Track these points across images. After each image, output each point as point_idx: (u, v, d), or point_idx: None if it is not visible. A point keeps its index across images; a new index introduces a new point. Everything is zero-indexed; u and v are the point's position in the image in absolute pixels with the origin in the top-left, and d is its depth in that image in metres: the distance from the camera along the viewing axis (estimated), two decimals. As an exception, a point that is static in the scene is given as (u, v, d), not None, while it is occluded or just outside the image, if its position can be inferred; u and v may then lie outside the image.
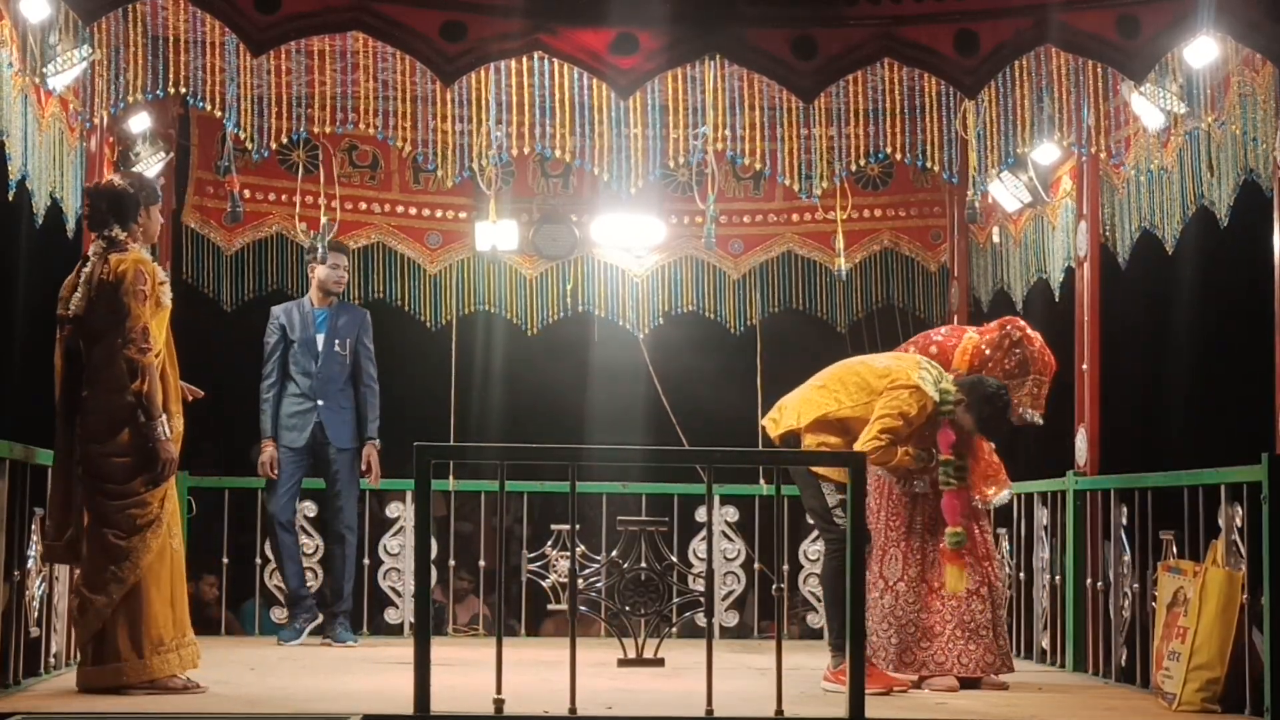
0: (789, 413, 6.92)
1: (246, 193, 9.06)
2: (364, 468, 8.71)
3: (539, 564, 8.98)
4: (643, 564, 5.72)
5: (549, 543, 9.01)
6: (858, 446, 6.66)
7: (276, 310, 8.75)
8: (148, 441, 6.23)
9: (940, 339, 7.33)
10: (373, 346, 8.80)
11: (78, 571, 6.41)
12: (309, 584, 8.99)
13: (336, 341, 8.68)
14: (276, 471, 8.56)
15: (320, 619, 8.73)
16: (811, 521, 7.12)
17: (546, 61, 7.17)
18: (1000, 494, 7.18)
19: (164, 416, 6.27)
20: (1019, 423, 7.12)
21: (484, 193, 9.14)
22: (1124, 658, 7.24)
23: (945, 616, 6.93)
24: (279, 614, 9.06)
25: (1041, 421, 7.24)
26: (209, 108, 7.41)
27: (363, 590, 9.29)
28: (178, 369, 6.50)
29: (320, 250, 8.80)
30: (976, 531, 7.04)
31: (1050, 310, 8.56)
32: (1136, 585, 7.14)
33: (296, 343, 8.64)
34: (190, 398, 6.69)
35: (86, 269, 6.32)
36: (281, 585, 8.88)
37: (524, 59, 7.18)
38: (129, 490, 6.24)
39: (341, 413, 8.64)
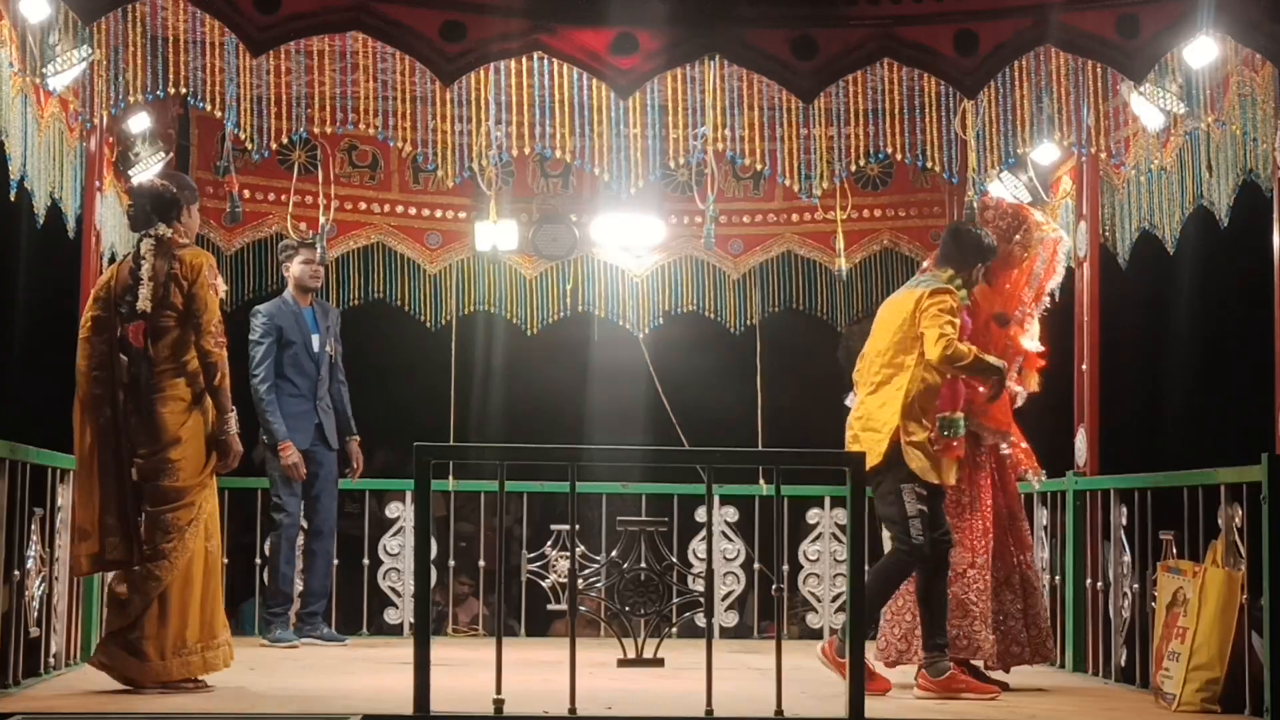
0: (882, 428, 6.64)
1: (246, 193, 9.06)
2: (354, 464, 8.75)
3: (539, 564, 8.98)
4: (642, 564, 5.72)
5: (549, 543, 9.02)
6: (930, 354, 6.58)
7: (264, 309, 8.66)
8: (218, 435, 6.34)
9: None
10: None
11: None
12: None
13: (328, 342, 8.70)
14: (304, 473, 8.50)
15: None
16: (886, 530, 6.80)
17: (546, 61, 7.17)
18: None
19: (234, 410, 6.37)
20: (1054, 244, 7.27)
21: (484, 193, 9.15)
22: (1124, 658, 7.25)
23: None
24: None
25: (1067, 237, 7.48)
26: (209, 108, 7.41)
27: (363, 590, 9.30)
28: None
29: (321, 251, 8.80)
30: (1010, 521, 7.06)
31: (1050, 310, 8.55)
32: (1136, 585, 7.14)
33: (296, 345, 8.58)
34: None
35: (145, 266, 6.37)
36: (277, 586, 8.66)
37: (524, 59, 7.18)
38: (178, 492, 6.28)
39: (329, 413, 8.66)
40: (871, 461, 6.48)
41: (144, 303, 6.33)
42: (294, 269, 8.69)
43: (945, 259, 6.95)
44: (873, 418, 6.71)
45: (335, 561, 8.79)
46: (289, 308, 8.65)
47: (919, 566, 6.66)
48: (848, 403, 7.22)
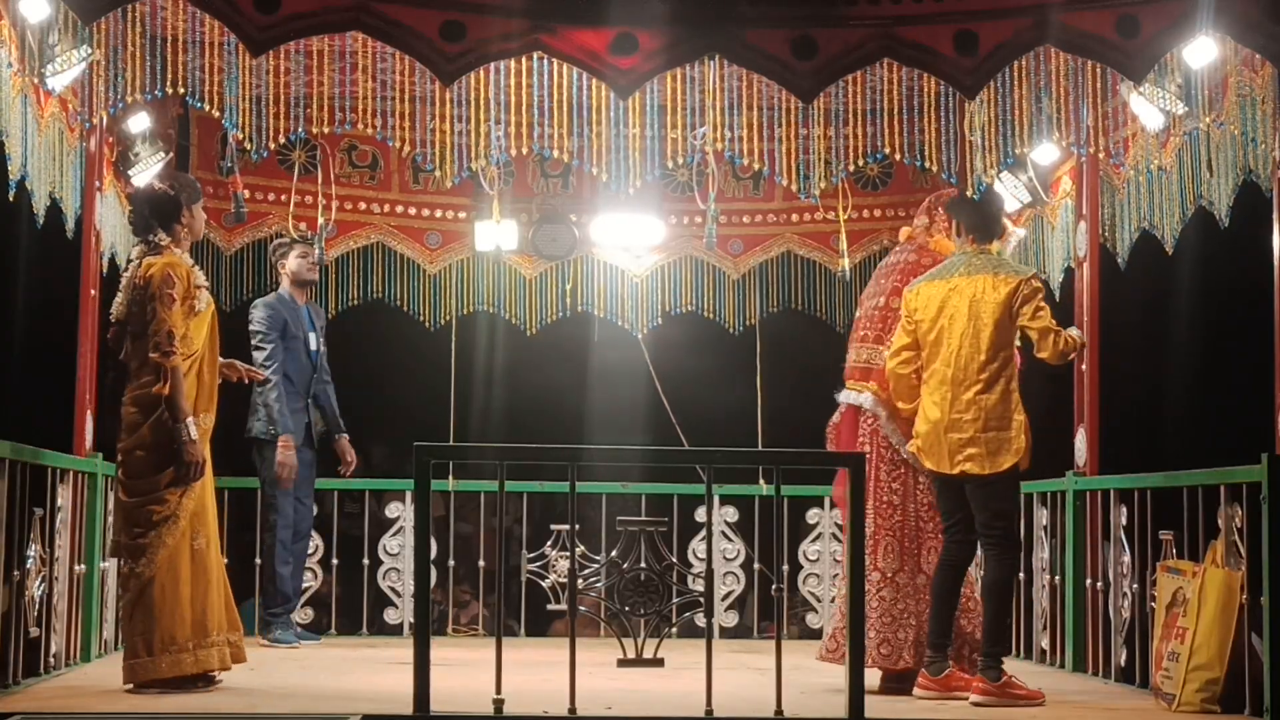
0: (1013, 425, 6.53)
1: (246, 193, 9.06)
2: (349, 459, 8.74)
3: (539, 564, 8.99)
4: (642, 564, 5.72)
5: (549, 543, 9.02)
6: (1047, 353, 6.58)
7: (265, 303, 8.61)
8: (172, 442, 6.32)
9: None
10: None
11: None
12: (309, 585, 9.04)
13: (321, 340, 8.70)
14: (296, 475, 8.44)
15: None
16: (983, 526, 6.61)
17: (546, 61, 7.17)
18: None
19: (191, 419, 6.34)
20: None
21: (484, 192, 9.15)
22: (1123, 658, 7.25)
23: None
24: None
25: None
26: (208, 108, 7.40)
27: (363, 590, 9.30)
28: (217, 369, 6.59)
29: (319, 252, 8.80)
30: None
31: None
32: (1136, 585, 7.14)
33: (296, 341, 8.55)
34: (247, 379, 6.98)
35: (128, 273, 6.49)
36: (276, 588, 8.55)
37: (524, 59, 7.17)
38: (147, 485, 6.29)
39: (316, 411, 8.66)
40: (1015, 459, 6.55)
41: (116, 309, 6.45)
42: (290, 264, 8.67)
43: (984, 233, 6.84)
44: (996, 415, 6.55)
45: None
46: (287, 304, 8.62)
47: (1011, 562, 6.69)
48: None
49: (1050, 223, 8.55)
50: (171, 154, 8.49)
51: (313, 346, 8.64)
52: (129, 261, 6.53)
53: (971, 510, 6.65)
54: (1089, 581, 7.69)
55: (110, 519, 6.60)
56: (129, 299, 6.42)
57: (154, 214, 6.51)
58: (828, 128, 8.26)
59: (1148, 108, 7.26)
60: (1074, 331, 6.76)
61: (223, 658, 6.42)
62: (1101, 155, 7.80)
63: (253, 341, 8.51)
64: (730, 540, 9.49)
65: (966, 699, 6.49)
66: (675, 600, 5.78)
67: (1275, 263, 6.54)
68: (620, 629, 5.71)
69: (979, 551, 6.70)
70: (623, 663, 5.72)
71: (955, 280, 6.74)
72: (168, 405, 6.30)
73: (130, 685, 6.24)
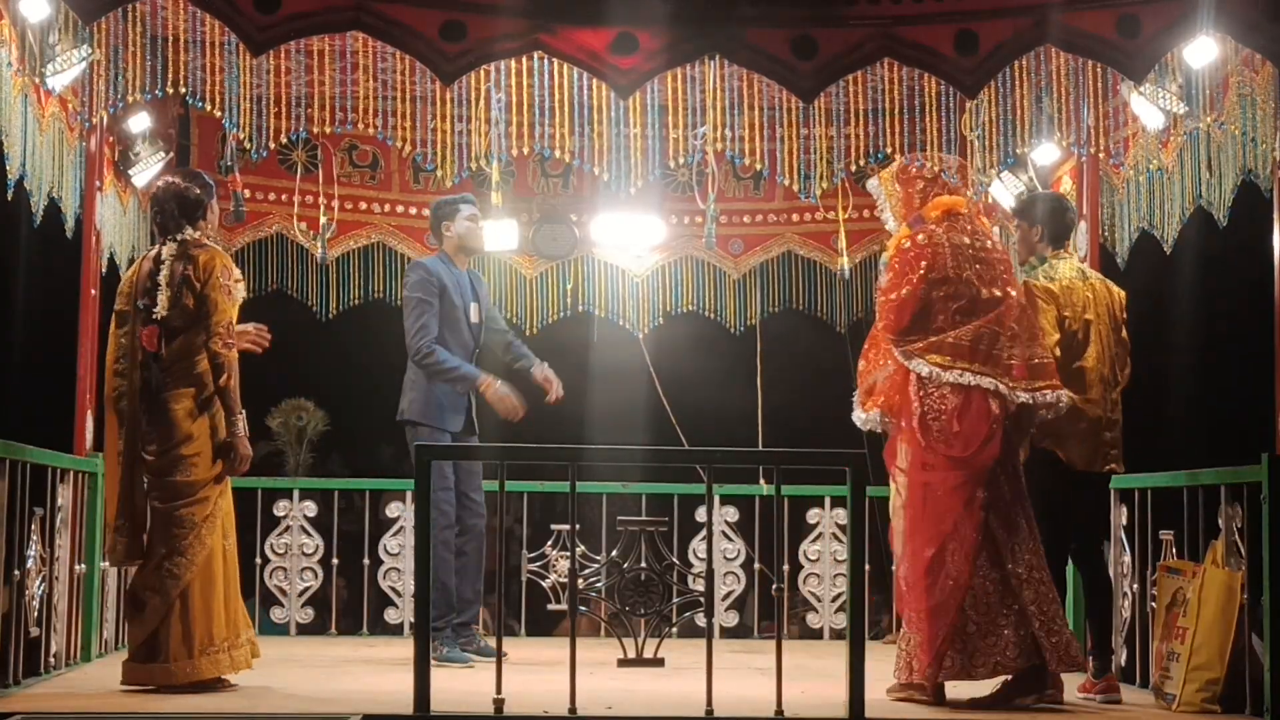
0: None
1: (247, 192, 9.06)
2: (550, 391, 8.00)
3: (539, 564, 8.99)
4: (643, 564, 5.72)
5: (549, 543, 9.02)
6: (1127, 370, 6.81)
7: (427, 263, 7.86)
8: (226, 436, 6.34)
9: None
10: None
11: (133, 571, 6.48)
12: (309, 585, 9.03)
13: (484, 309, 8.00)
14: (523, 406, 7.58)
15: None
16: (1097, 522, 6.87)
17: (546, 61, 7.17)
18: None
19: (243, 412, 6.38)
20: None
21: (484, 192, 9.15)
22: (1123, 658, 7.24)
23: None
24: (278, 614, 9.06)
25: None
26: (209, 107, 7.40)
27: (363, 590, 9.30)
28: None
29: (323, 253, 8.75)
30: None
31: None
32: (1136, 585, 7.14)
33: (459, 309, 7.78)
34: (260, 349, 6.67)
35: (165, 270, 6.39)
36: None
37: (524, 59, 7.18)
38: (191, 487, 6.29)
39: (475, 393, 7.82)
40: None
41: (161, 309, 6.37)
42: (457, 226, 7.88)
43: (1067, 240, 6.93)
44: (1117, 418, 6.73)
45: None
46: (449, 270, 7.81)
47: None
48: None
49: (1050, 223, 8.54)
50: (172, 154, 8.50)
51: (473, 319, 7.86)
52: (159, 259, 6.45)
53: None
54: (1089, 581, 7.69)
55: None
56: (174, 295, 6.36)
57: (182, 211, 6.50)
58: (829, 127, 8.27)
59: (1148, 108, 7.26)
60: None
61: (248, 657, 6.45)
62: (1101, 155, 7.81)
63: (405, 309, 7.76)
64: (730, 540, 9.48)
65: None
66: (675, 600, 5.78)
67: (1275, 263, 6.54)
68: (620, 629, 5.71)
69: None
70: (623, 663, 5.72)
71: (1086, 282, 6.76)
72: (228, 396, 6.33)
73: (167, 686, 6.22)
